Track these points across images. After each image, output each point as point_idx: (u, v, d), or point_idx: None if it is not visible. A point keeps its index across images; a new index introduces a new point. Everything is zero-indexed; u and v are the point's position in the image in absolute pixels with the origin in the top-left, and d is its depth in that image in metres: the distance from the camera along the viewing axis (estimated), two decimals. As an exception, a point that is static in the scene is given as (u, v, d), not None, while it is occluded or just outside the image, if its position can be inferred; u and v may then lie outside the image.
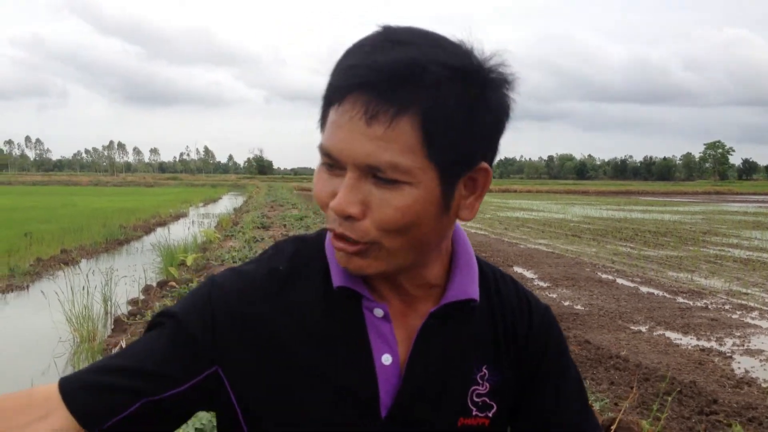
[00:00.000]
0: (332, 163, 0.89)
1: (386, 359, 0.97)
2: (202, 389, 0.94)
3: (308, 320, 0.96)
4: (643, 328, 8.33)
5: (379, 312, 0.97)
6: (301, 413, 0.95)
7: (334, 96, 0.88)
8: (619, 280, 11.80)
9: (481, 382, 1.03)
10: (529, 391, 1.08)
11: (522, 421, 1.08)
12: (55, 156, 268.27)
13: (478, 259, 1.07)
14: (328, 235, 1.01)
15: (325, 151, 0.89)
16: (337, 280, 0.97)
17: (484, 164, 0.92)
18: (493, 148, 0.94)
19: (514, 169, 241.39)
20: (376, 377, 0.96)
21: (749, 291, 10.84)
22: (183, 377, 0.93)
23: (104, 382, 0.92)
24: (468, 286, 1.01)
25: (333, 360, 0.95)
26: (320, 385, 0.95)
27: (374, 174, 0.86)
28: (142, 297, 9.84)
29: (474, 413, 1.02)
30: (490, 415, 1.03)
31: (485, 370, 1.03)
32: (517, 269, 12.95)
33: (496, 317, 1.06)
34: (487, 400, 1.03)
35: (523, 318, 1.08)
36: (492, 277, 1.09)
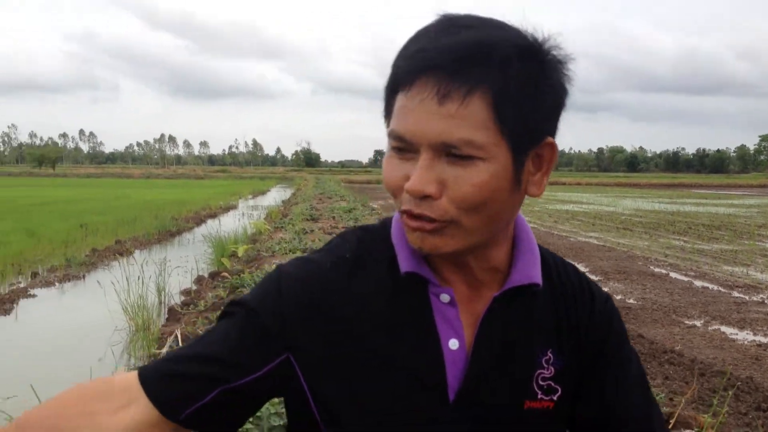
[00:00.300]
0: (403, 147, 0.91)
1: (453, 344, 0.98)
2: (276, 376, 0.96)
3: (376, 307, 0.98)
4: (698, 323, 8.18)
5: (445, 297, 0.99)
6: (371, 398, 0.96)
7: (402, 81, 0.90)
8: (673, 274, 11.61)
9: (546, 366, 1.04)
10: (590, 379, 1.08)
11: (583, 407, 1.08)
12: (107, 149, 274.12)
13: (539, 246, 1.08)
14: (395, 224, 1.03)
15: (396, 135, 0.91)
16: (404, 265, 0.98)
17: (550, 138, 0.95)
18: (556, 125, 0.97)
19: (563, 161, 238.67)
20: (444, 362, 0.98)
21: (808, 286, 10.57)
22: (257, 364, 0.95)
23: (182, 370, 0.95)
24: (531, 271, 1.02)
25: (401, 346, 0.97)
26: (389, 370, 0.96)
27: (448, 152, 0.88)
28: (194, 287, 9.99)
29: (539, 396, 1.03)
30: (555, 398, 1.04)
31: (550, 354, 1.04)
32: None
33: (557, 303, 1.07)
34: (552, 384, 1.04)
35: (585, 306, 1.09)
36: (553, 263, 1.11)
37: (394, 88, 0.92)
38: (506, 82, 0.87)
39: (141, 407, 0.93)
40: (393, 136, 0.91)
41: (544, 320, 1.05)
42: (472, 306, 1.01)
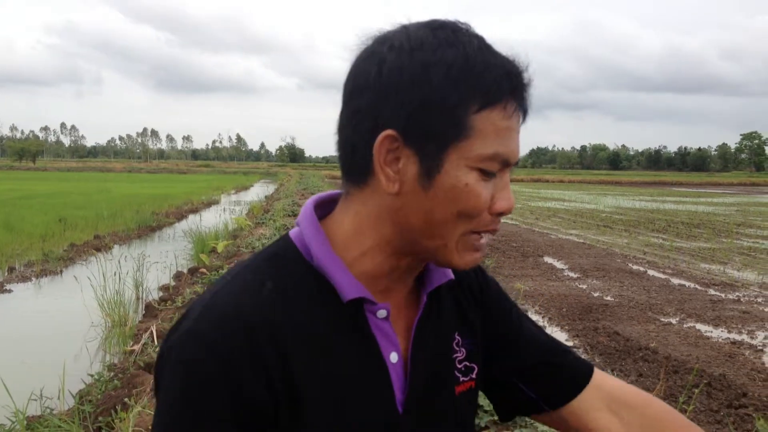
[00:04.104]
0: (496, 169, 0.91)
1: (393, 357, 0.98)
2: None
3: (317, 332, 0.93)
4: (674, 320, 8.25)
5: (382, 313, 0.97)
6: (328, 421, 0.92)
7: (506, 100, 0.89)
8: (650, 272, 11.69)
9: (458, 349, 1.08)
10: (498, 338, 1.14)
11: (501, 363, 1.14)
12: (89, 143, 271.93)
13: None
14: (321, 249, 0.96)
15: (503, 159, 0.90)
16: (348, 293, 0.94)
17: None
18: None
19: (547, 158, 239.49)
20: (390, 377, 0.97)
21: (783, 284, 10.68)
22: None
23: None
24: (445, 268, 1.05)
25: (349, 370, 0.94)
26: (341, 397, 0.93)
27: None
28: (173, 283, 9.96)
29: (461, 380, 1.07)
30: (474, 376, 1.09)
31: (458, 337, 1.08)
32: (548, 259, 12.88)
33: (454, 287, 1.10)
34: (468, 364, 1.08)
35: (474, 280, 1.15)
36: None
37: (484, 105, 0.88)
38: None
39: None
40: (498, 159, 0.89)
41: (449, 307, 1.09)
42: (400, 314, 1.02)
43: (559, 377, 1.14)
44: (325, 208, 1.02)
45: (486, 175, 0.89)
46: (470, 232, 0.92)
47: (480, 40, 0.90)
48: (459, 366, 1.07)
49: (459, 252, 0.93)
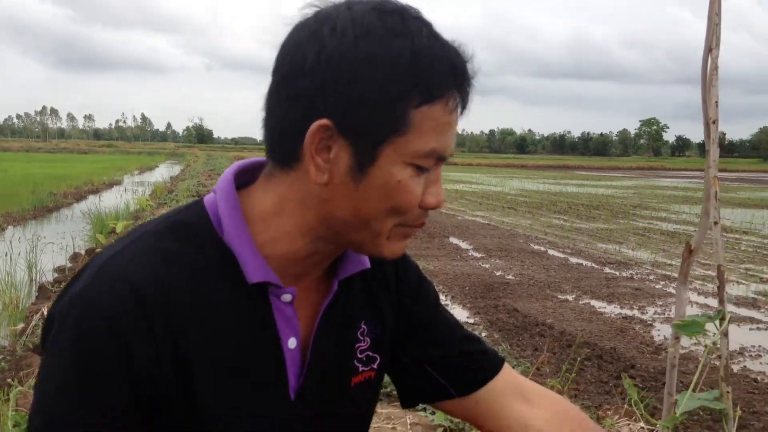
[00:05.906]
0: (431, 165, 0.89)
1: (291, 343, 0.96)
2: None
3: (214, 310, 0.89)
4: (570, 297, 8.52)
5: (287, 297, 0.94)
6: (216, 402, 0.89)
7: (449, 95, 0.86)
8: (551, 251, 12.03)
9: (362, 338, 1.04)
10: (410, 326, 1.11)
11: (414, 348, 1.11)
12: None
13: None
14: (230, 226, 0.91)
15: (440, 155, 0.88)
16: (254, 276, 0.90)
17: None
18: None
19: (456, 142, 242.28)
20: (285, 362, 0.95)
21: (673, 262, 11.15)
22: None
23: None
24: (362, 256, 1.01)
25: (244, 351, 0.91)
26: (235, 379, 0.91)
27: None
28: (69, 264, 9.65)
29: (360, 369, 1.04)
30: (375, 366, 1.06)
31: (364, 326, 1.05)
32: (453, 240, 13.08)
33: (365, 273, 1.05)
34: (371, 354, 1.05)
35: (386, 263, 1.09)
36: None
37: (425, 100, 0.84)
38: None
39: None
40: (435, 155, 0.87)
41: (358, 294, 1.05)
42: (306, 299, 0.98)
43: (471, 365, 1.12)
44: (245, 177, 0.97)
45: (420, 170, 0.87)
46: (399, 225, 0.90)
47: (429, 28, 0.86)
48: (360, 356, 1.04)
49: (389, 243, 0.91)
